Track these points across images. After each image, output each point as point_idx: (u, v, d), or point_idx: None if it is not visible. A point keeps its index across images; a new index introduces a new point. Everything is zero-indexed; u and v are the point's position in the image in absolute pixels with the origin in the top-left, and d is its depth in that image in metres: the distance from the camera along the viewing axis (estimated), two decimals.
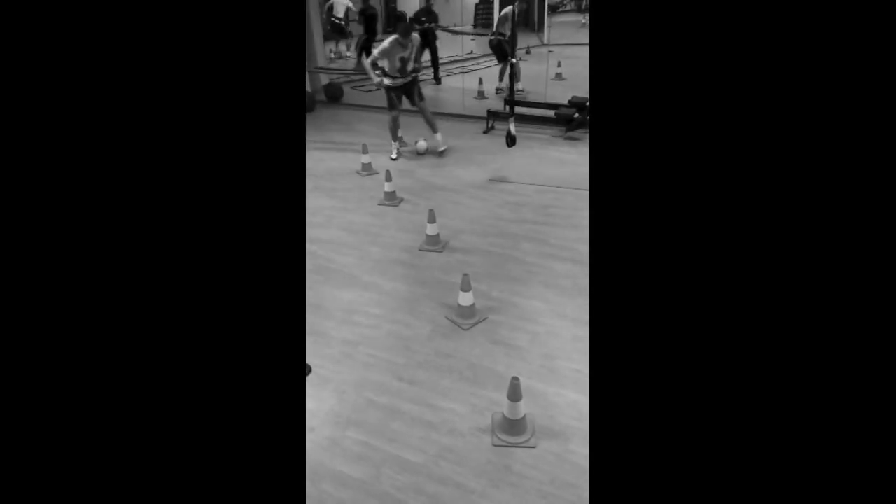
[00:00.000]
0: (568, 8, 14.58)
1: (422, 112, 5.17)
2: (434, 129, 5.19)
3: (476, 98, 7.17)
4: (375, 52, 4.79)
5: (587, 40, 7.44)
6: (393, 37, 4.77)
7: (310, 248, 3.54)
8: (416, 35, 4.88)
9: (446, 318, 2.78)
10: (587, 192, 4.20)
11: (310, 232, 3.75)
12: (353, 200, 4.29)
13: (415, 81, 5.06)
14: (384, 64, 4.88)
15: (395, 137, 5.13)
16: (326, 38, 9.18)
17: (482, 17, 12.81)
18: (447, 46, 10.85)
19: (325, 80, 7.76)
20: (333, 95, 7.50)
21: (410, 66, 4.93)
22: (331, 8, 9.56)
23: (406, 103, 5.15)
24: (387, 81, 4.93)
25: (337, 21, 9.81)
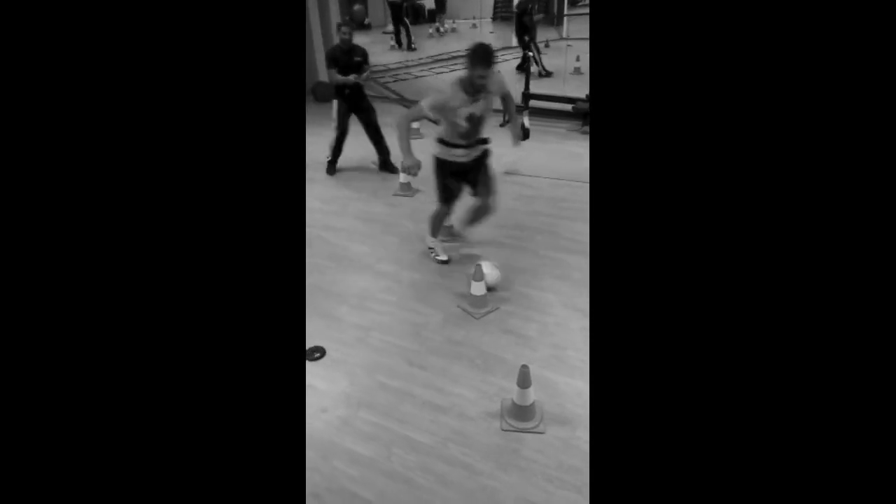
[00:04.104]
0: (587, 1, 14.42)
1: (480, 209, 3.06)
2: (469, 222, 3.20)
3: None
4: (425, 103, 2.65)
5: None
6: (458, 78, 2.64)
7: (324, 235, 3.60)
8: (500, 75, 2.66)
9: (458, 307, 2.82)
10: None
11: (324, 220, 3.81)
12: (367, 191, 4.34)
13: (485, 157, 2.93)
14: (441, 126, 2.79)
15: (436, 233, 3.18)
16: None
17: (501, 9, 12.76)
18: (466, 37, 10.82)
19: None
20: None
21: (482, 129, 2.80)
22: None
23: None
24: (438, 152, 2.85)
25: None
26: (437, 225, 3.15)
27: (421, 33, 11.53)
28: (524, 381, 2.03)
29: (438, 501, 1.79)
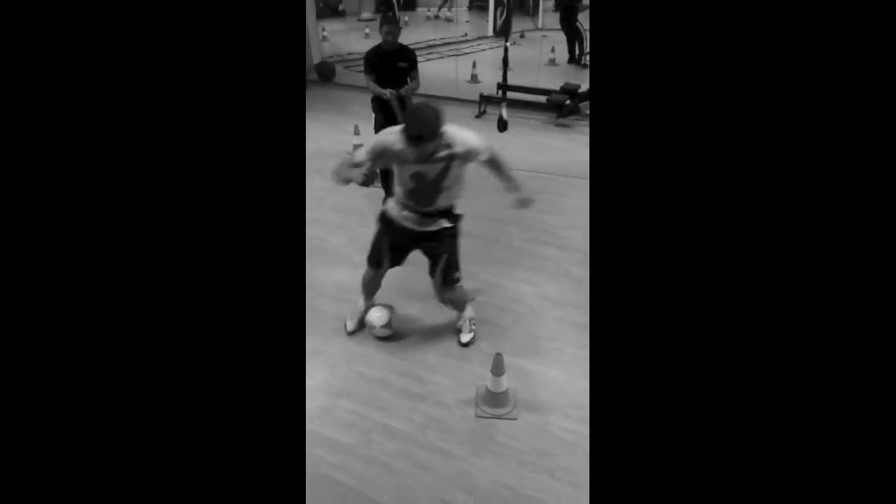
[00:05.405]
0: None
1: (448, 301, 2.50)
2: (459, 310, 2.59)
3: (469, 81, 7.19)
4: (363, 148, 2.21)
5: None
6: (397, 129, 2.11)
7: None
8: (468, 138, 2.15)
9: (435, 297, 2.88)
10: (573, 180, 4.30)
11: None
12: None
13: (445, 235, 2.33)
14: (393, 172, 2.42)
15: (367, 294, 2.64)
16: (319, 16, 9.11)
17: None
18: (441, 28, 10.78)
19: (316, 58, 7.73)
20: (325, 75, 7.48)
21: (443, 198, 2.25)
22: None
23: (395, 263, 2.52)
24: (387, 206, 2.42)
25: None
26: (365, 288, 2.60)
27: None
28: (498, 368, 2.12)
29: (416, 486, 1.87)
